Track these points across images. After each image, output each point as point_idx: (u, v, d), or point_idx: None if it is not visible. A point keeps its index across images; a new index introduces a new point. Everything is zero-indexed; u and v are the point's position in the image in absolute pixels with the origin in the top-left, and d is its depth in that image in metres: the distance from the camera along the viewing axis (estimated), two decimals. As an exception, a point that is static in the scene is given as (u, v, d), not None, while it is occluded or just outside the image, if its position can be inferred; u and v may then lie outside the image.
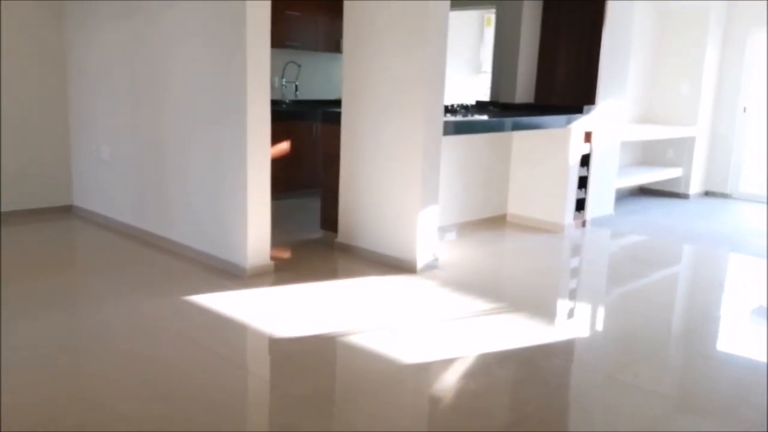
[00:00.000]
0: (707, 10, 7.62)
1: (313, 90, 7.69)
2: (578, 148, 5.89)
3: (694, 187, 8.02)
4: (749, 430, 2.66)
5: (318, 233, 5.43)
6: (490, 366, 3.19)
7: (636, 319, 4.00)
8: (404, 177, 4.53)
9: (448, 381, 3.06)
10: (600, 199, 6.38)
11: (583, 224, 6.16)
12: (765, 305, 4.31)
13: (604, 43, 5.88)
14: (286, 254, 4.97)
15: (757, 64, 7.79)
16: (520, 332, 3.62)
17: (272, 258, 4.49)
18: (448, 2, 4.41)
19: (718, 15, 7.74)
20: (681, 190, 7.98)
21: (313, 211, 5.86)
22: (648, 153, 8.16)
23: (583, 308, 4.26)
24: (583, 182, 6.07)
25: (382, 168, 4.68)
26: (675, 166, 7.94)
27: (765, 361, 3.38)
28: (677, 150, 7.97)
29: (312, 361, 3.20)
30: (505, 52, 6.29)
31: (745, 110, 7.86)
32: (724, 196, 8.06)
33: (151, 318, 3.63)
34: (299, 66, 7.40)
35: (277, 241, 4.81)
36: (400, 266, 4.59)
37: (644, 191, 8.10)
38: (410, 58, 4.39)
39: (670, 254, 5.72)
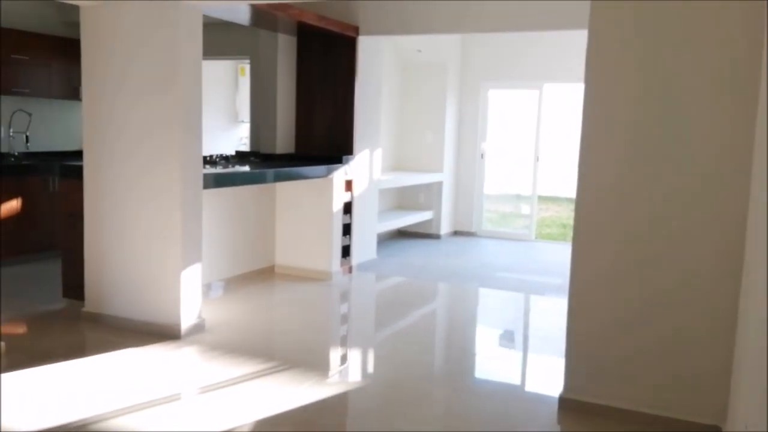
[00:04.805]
0: (445, 64, 8.36)
1: (48, 141, 6.87)
2: (340, 197, 5.98)
3: (444, 228, 8.64)
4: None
5: (60, 303, 4.74)
6: (269, 434, 2.96)
7: (403, 360, 4.10)
8: (162, 233, 4.14)
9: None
10: (363, 245, 6.53)
11: (350, 270, 6.24)
12: (511, 329, 4.98)
13: (357, 96, 6.10)
14: (20, 331, 4.23)
15: (491, 116, 8.73)
16: (294, 391, 3.44)
17: (2, 337, 3.77)
18: (200, 50, 4.19)
19: (455, 70, 8.54)
20: (433, 231, 8.54)
21: (53, 278, 5.13)
22: (403, 198, 8.63)
23: (354, 357, 4.25)
24: (347, 229, 6.16)
25: (135, 225, 4.23)
26: (427, 209, 8.50)
27: (514, 383, 3.90)
28: (427, 194, 8.54)
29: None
30: (262, 103, 6.21)
31: (482, 156, 8.73)
32: (470, 234, 8.80)
33: None
34: (30, 115, 6.55)
35: (7, 315, 4.06)
36: (162, 333, 4.15)
37: (402, 234, 8.52)
38: (163, 105, 4.06)
39: (428, 293, 6.08)
